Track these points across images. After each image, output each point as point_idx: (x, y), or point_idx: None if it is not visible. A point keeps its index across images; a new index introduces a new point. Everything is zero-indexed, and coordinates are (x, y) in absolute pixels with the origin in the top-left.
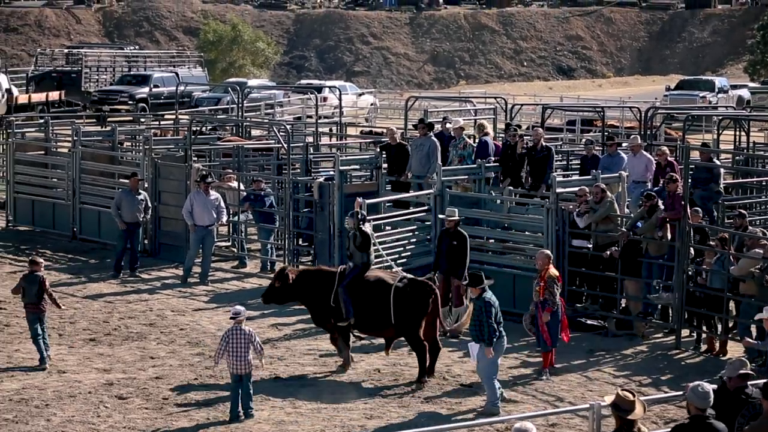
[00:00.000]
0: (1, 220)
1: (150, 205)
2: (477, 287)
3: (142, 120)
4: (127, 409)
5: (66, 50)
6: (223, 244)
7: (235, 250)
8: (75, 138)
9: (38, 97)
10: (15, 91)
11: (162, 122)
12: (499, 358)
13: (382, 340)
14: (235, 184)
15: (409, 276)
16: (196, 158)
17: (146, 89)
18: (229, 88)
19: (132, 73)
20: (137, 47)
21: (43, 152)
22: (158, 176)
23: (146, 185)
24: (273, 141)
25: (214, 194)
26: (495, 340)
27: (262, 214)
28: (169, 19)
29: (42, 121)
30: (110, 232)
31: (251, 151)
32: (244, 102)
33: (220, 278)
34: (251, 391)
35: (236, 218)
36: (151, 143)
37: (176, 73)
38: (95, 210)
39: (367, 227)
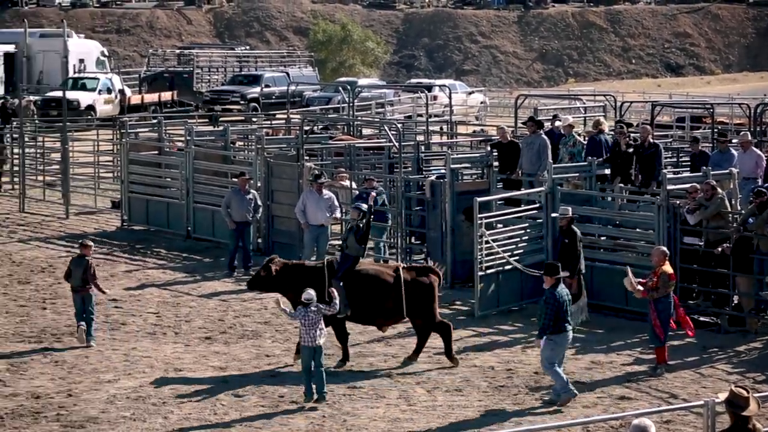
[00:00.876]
0: (116, 219)
1: (260, 204)
2: (552, 277)
3: (254, 120)
4: (243, 407)
5: (177, 51)
6: (337, 242)
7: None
8: (188, 138)
9: (151, 97)
10: (128, 91)
11: (273, 122)
12: (563, 352)
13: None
14: (347, 182)
15: (409, 265)
16: (307, 157)
17: (257, 89)
18: (340, 88)
19: (243, 73)
20: (248, 47)
21: (156, 152)
22: (271, 175)
23: (259, 184)
24: (384, 140)
25: (327, 193)
26: (549, 333)
27: (374, 212)
28: (279, 19)
29: (155, 121)
30: (223, 231)
31: (363, 150)
32: (355, 101)
33: None
34: (323, 370)
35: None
36: (264, 143)
37: (287, 73)
38: (209, 209)
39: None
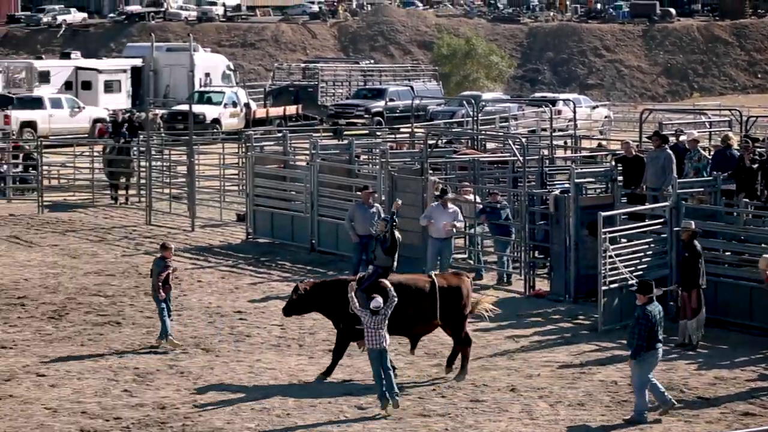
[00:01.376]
0: (241, 232)
1: (384, 217)
2: (644, 295)
3: (378, 133)
4: (367, 419)
5: (302, 65)
6: (460, 256)
7: (472, 262)
8: (313, 151)
9: (276, 111)
10: (253, 105)
11: (398, 135)
12: (652, 369)
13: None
14: (471, 197)
15: (441, 273)
16: (431, 171)
17: (382, 103)
18: (464, 102)
19: (368, 87)
20: (372, 61)
21: (282, 165)
22: (395, 189)
23: (383, 198)
24: (508, 154)
25: (452, 207)
26: (642, 353)
27: (498, 226)
28: (404, 33)
29: (280, 134)
30: (348, 245)
31: (487, 164)
32: (479, 115)
33: None
34: (391, 373)
35: (472, 230)
36: (388, 156)
37: (411, 87)
38: (333, 222)
39: (397, 233)
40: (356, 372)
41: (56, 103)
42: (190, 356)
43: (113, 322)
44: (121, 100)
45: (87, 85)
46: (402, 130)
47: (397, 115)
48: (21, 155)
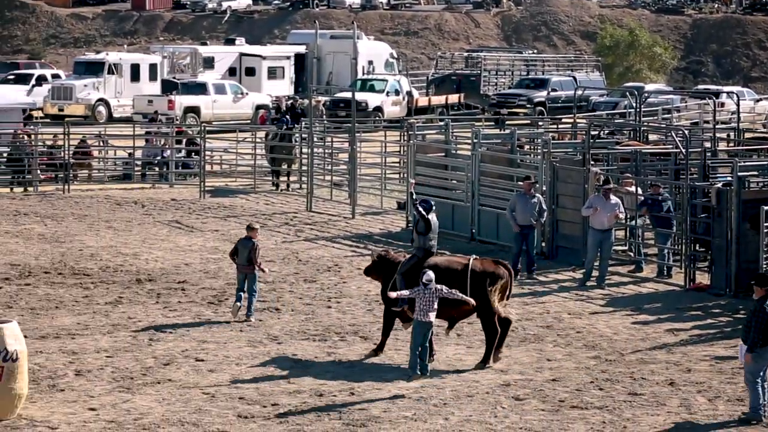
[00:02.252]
0: (401, 220)
1: (545, 208)
2: (762, 288)
3: (540, 123)
4: (524, 410)
5: (465, 54)
6: (620, 248)
7: (632, 254)
8: (475, 140)
9: (438, 99)
10: (415, 93)
11: (560, 126)
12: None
13: None
14: (632, 188)
15: (481, 257)
16: (593, 162)
17: (544, 93)
18: (627, 93)
19: (530, 76)
20: (535, 51)
21: (442, 154)
22: (556, 179)
23: (544, 188)
24: (671, 146)
25: (614, 198)
26: (757, 348)
27: (659, 218)
28: (567, 23)
29: (442, 123)
30: (508, 234)
31: (649, 155)
32: (642, 107)
33: (617, 282)
34: (428, 345)
35: (633, 222)
36: (550, 147)
37: (574, 77)
38: (493, 212)
39: (432, 216)
40: (514, 363)
41: (220, 89)
42: (348, 344)
43: (272, 308)
44: (284, 87)
45: (251, 71)
46: (564, 120)
47: (559, 105)
48: (184, 140)
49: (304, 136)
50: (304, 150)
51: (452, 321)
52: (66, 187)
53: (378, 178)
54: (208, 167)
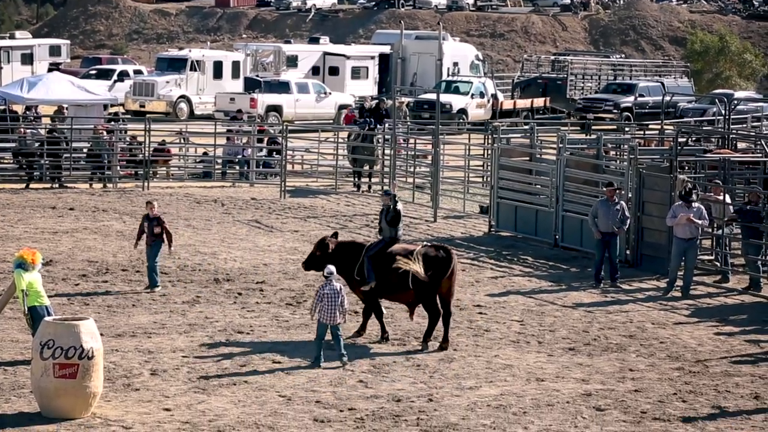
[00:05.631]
0: (484, 224)
1: (627, 215)
2: None
3: (627, 129)
4: (605, 421)
5: (552, 57)
6: (706, 257)
7: (718, 264)
8: (560, 145)
9: (523, 103)
10: (500, 96)
11: (647, 132)
12: None
13: None
14: (721, 197)
15: (434, 243)
16: (680, 169)
17: (631, 98)
18: (716, 100)
19: (617, 81)
20: (623, 56)
21: (527, 158)
22: (642, 186)
23: (629, 195)
24: (760, 154)
25: (696, 205)
26: None
27: (749, 228)
28: (656, 28)
29: (527, 127)
30: (591, 241)
31: (737, 164)
32: (731, 114)
33: (702, 292)
34: (341, 339)
35: (720, 232)
36: (636, 153)
37: (662, 83)
38: (578, 218)
39: (400, 205)
40: (595, 372)
41: (303, 88)
42: (427, 349)
43: (351, 311)
44: (367, 87)
45: (334, 71)
46: (651, 126)
47: (646, 111)
48: (265, 139)
49: (386, 137)
50: (387, 151)
51: (411, 306)
52: (145, 184)
53: (461, 182)
54: (289, 167)
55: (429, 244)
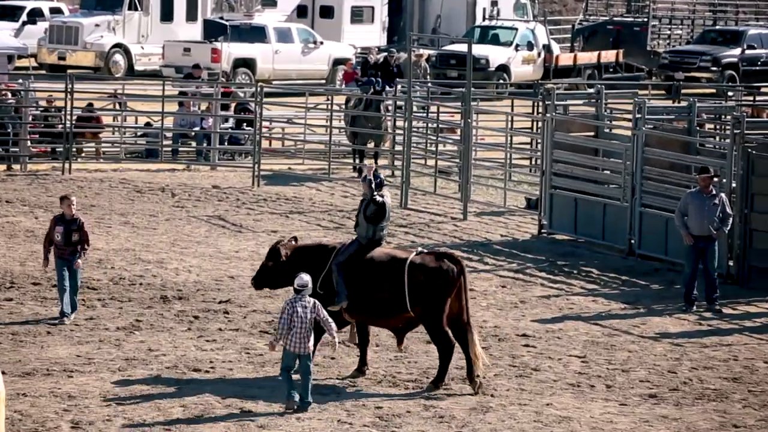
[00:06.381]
0: (533, 224)
1: (730, 212)
2: None
3: (731, 94)
4: None
5: None
6: None
7: None
8: (637, 116)
9: (587, 57)
10: (556, 48)
11: (757, 98)
12: None
13: None
14: None
15: (430, 249)
16: None
17: (737, 51)
18: None
19: (718, 27)
20: None
21: (592, 134)
22: (750, 173)
23: (733, 185)
24: None
25: None
26: None
27: None
28: None
29: (591, 90)
30: (679, 248)
31: None
32: None
33: None
34: (310, 377)
35: None
36: (743, 127)
37: None
38: (661, 216)
39: (386, 197)
40: (686, 428)
41: (284, 36)
42: (452, 394)
43: (347, 343)
44: (373, 35)
45: (327, 12)
46: (763, 89)
47: (757, 68)
48: (233, 106)
49: (399, 103)
50: (399, 123)
51: (398, 332)
52: (66, 165)
53: (501, 165)
54: (265, 143)
55: (426, 250)
